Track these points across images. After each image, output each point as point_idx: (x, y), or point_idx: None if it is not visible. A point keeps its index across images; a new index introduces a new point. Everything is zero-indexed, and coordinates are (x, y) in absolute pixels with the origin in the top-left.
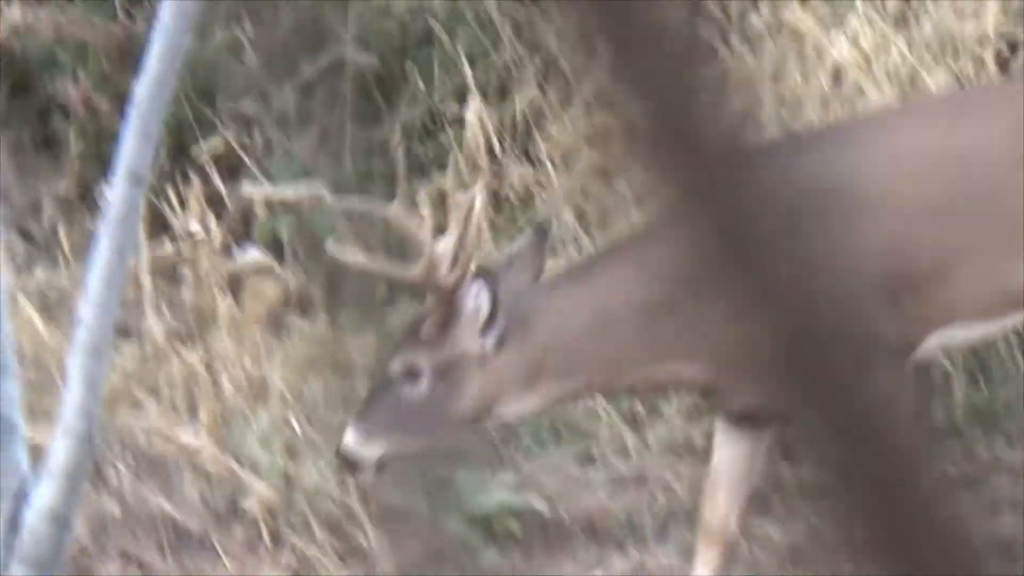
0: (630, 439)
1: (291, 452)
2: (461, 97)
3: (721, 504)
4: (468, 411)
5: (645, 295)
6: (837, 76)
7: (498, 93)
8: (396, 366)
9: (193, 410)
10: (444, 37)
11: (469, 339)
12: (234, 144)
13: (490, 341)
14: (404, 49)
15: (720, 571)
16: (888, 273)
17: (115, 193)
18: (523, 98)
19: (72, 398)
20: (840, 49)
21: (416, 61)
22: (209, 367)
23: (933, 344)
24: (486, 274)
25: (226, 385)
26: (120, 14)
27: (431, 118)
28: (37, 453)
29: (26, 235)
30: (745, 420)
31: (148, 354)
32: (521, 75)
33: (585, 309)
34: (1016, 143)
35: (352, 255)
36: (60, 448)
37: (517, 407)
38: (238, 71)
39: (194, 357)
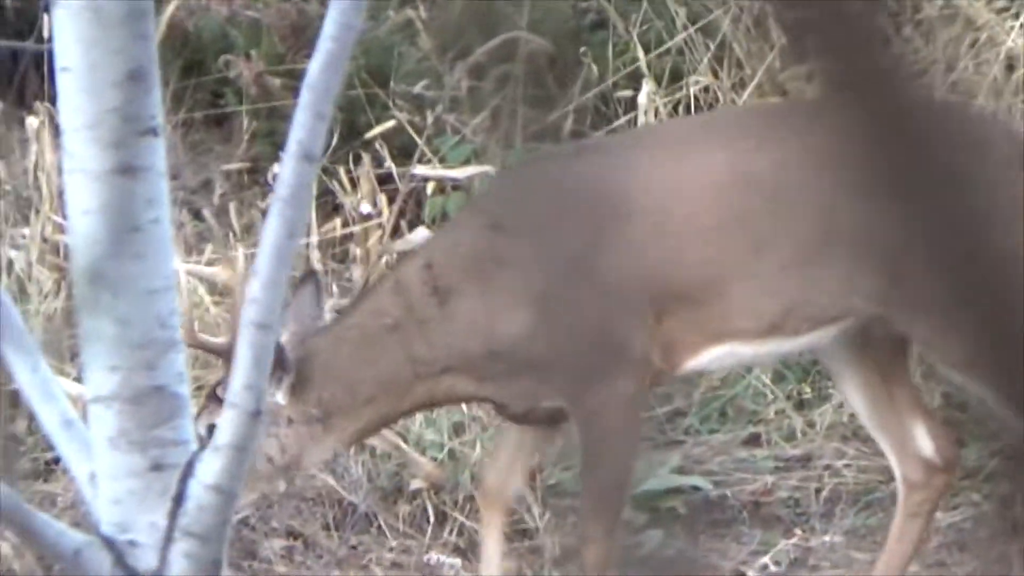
0: (797, 421)
1: (457, 429)
2: (634, 81)
3: (502, 468)
4: (272, 466)
5: (398, 314)
6: (1010, 65)
7: (671, 77)
8: (200, 427)
9: None
10: (618, 21)
11: None
12: (406, 125)
13: (277, 396)
14: (578, 33)
15: (502, 539)
16: (655, 287)
17: (286, 171)
18: (696, 82)
19: (239, 373)
20: (1014, 38)
21: (590, 45)
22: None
23: (712, 358)
24: None
25: None
26: None
27: (603, 101)
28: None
29: (196, 213)
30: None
31: None
32: (694, 59)
33: (349, 341)
34: (803, 165)
35: None
36: (227, 422)
37: (319, 452)
38: (411, 53)
39: None
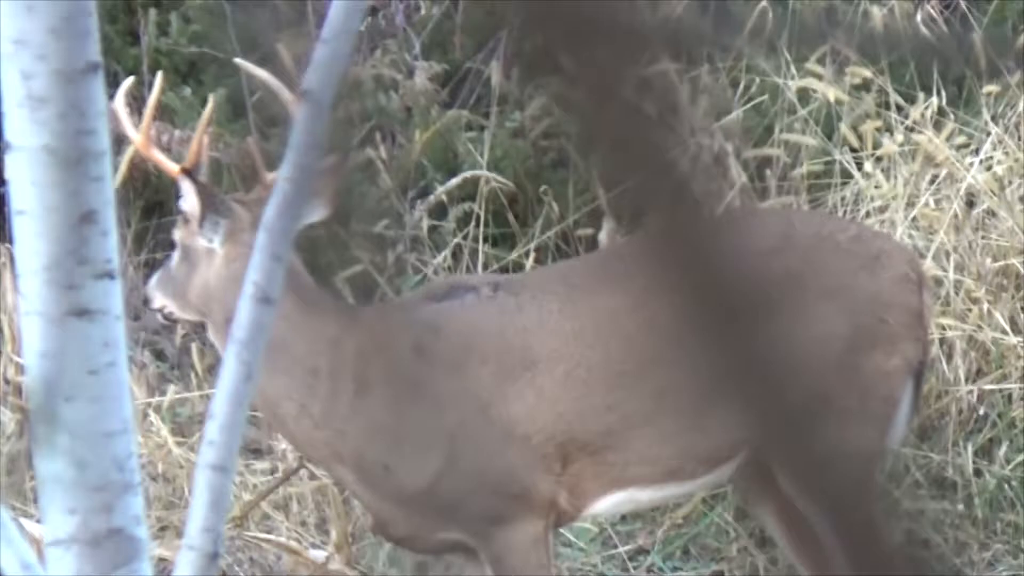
0: (759, 559)
1: (420, 568)
2: (595, 219)
3: None
4: (195, 299)
5: (322, 361)
6: (970, 201)
7: (631, 215)
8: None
9: (323, 527)
10: (578, 159)
11: (196, 230)
12: (367, 265)
13: (213, 237)
14: (538, 171)
15: None
16: (562, 436)
17: (243, 314)
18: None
19: (196, 515)
20: (973, 174)
21: (550, 183)
22: (339, 484)
23: (611, 504)
24: (189, 172)
25: (355, 502)
26: (254, 133)
27: (564, 240)
28: (167, 568)
29: (159, 354)
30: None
31: (279, 471)
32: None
33: (283, 320)
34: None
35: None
36: (184, 564)
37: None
38: (372, 192)
39: (324, 474)
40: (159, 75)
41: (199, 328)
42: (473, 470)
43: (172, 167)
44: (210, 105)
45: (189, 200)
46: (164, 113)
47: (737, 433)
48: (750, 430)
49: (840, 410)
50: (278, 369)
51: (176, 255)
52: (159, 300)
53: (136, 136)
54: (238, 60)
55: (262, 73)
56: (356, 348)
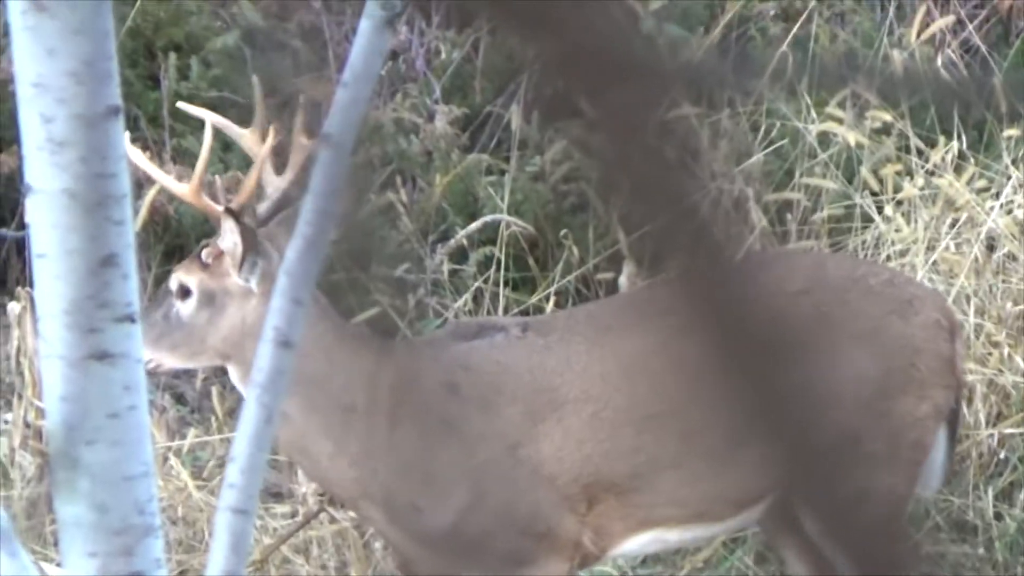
0: None
1: None
2: (615, 263)
3: None
4: (221, 343)
5: (358, 398)
6: (991, 245)
7: (652, 259)
8: (173, 283)
9: (343, 571)
10: (598, 203)
11: (232, 272)
12: (388, 308)
13: (250, 279)
14: (558, 215)
15: None
16: (588, 478)
17: (263, 358)
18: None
19: (216, 558)
20: (994, 218)
21: (570, 227)
22: (359, 528)
23: (638, 545)
24: (234, 212)
25: (376, 545)
26: None
27: (584, 284)
28: None
29: (179, 398)
30: None
31: (299, 515)
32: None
33: (322, 355)
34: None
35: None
36: None
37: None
38: (392, 236)
39: (345, 518)
40: (214, 117)
41: (220, 371)
42: (499, 509)
43: (217, 208)
44: (268, 143)
45: (230, 240)
46: (184, 157)
47: (765, 475)
48: (778, 472)
49: (869, 454)
50: (314, 407)
51: (191, 302)
52: (149, 353)
53: (180, 186)
54: (181, 104)
55: (212, 116)
56: (390, 384)
